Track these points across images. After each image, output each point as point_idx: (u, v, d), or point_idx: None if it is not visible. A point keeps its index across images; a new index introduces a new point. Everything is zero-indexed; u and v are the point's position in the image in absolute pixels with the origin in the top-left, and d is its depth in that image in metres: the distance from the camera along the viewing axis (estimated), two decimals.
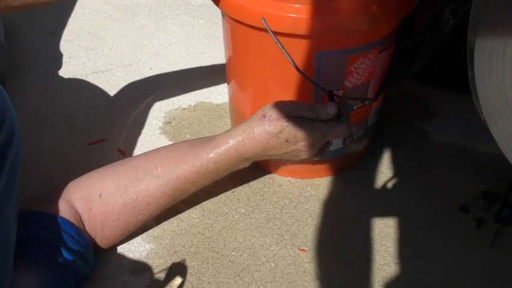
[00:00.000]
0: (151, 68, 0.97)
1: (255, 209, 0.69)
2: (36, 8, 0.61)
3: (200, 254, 0.63)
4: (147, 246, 0.64)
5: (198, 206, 0.69)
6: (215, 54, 1.01)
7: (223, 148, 0.60)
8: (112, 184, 0.60)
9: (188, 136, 0.81)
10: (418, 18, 0.65)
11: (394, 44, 0.66)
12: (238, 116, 0.75)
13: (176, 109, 0.87)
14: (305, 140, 0.58)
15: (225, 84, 0.80)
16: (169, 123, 0.84)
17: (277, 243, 0.65)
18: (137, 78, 0.94)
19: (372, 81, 0.66)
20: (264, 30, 0.58)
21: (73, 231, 0.56)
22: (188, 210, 0.69)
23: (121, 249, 0.63)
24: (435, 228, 0.67)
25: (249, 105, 0.72)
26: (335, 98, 0.61)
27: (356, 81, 0.64)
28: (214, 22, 1.11)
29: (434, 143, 0.81)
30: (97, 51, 1.01)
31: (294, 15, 0.56)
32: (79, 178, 0.62)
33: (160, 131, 0.82)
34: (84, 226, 0.59)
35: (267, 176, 0.74)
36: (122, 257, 0.63)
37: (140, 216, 0.61)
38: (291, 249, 0.64)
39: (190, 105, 0.88)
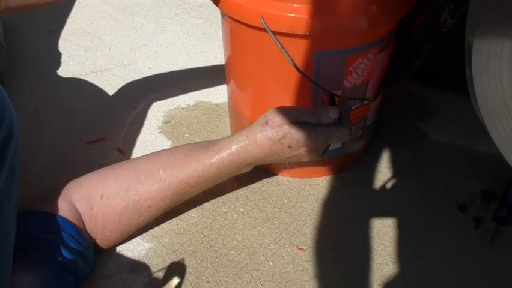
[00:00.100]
0: (150, 68, 0.97)
1: (253, 208, 0.70)
2: (35, 10, 0.61)
3: (199, 253, 0.63)
4: (146, 245, 0.64)
5: (197, 205, 0.69)
6: (214, 54, 1.01)
7: (225, 154, 0.61)
8: (114, 185, 0.60)
9: (188, 135, 0.81)
10: (417, 19, 0.65)
11: (393, 44, 0.66)
12: (237, 115, 0.76)
13: (175, 108, 0.87)
14: (307, 145, 0.58)
15: (224, 84, 0.80)
16: (168, 123, 0.84)
17: (276, 242, 0.65)
18: (137, 77, 0.94)
19: (371, 81, 0.66)
20: (263, 30, 0.58)
21: (72, 230, 0.56)
22: (188, 210, 0.69)
23: (120, 248, 0.64)
24: (433, 227, 0.67)
25: (248, 104, 0.72)
26: (335, 98, 0.61)
27: (355, 81, 0.64)
28: (213, 22, 1.11)
29: (433, 143, 0.81)
30: (96, 51, 1.01)
31: (293, 15, 0.56)
32: (79, 178, 0.62)
33: (159, 131, 0.82)
34: (84, 226, 0.59)
35: (266, 176, 0.74)
36: (121, 255, 0.63)
37: (141, 218, 0.61)
38: (290, 248, 0.64)
39: (189, 104, 0.88)
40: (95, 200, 0.59)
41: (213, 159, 0.61)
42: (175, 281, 0.59)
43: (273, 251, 0.64)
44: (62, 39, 1.04)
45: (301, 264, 0.62)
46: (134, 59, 0.99)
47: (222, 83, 0.91)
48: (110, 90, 0.90)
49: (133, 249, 0.63)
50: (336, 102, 0.62)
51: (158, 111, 0.86)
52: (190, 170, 0.61)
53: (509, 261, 0.63)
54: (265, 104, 0.67)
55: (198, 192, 0.64)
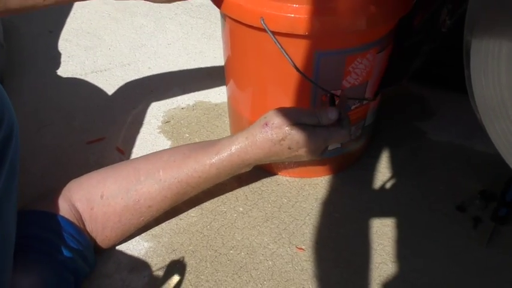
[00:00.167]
0: (149, 68, 0.97)
1: (253, 207, 0.70)
2: (34, 11, 0.61)
3: (198, 253, 0.63)
4: (146, 244, 0.64)
5: (196, 205, 0.70)
6: (214, 54, 1.01)
7: (225, 154, 0.61)
8: (114, 186, 0.60)
9: (187, 135, 0.81)
10: (415, 19, 0.66)
11: (392, 44, 0.67)
12: (237, 115, 0.76)
13: (175, 108, 0.87)
14: (307, 147, 0.59)
15: (224, 84, 0.80)
16: (167, 123, 0.84)
17: (275, 242, 0.65)
18: (136, 77, 0.94)
19: (370, 81, 0.66)
20: (263, 30, 0.58)
21: (72, 229, 0.56)
22: (187, 209, 0.69)
23: (120, 247, 0.64)
24: (432, 227, 0.67)
25: (248, 104, 0.72)
26: (335, 98, 0.61)
27: (354, 81, 0.64)
28: (212, 22, 1.11)
29: (432, 143, 0.81)
30: (95, 51, 1.01)
31: (292, 15, 0.57)
32: (79, 178, 0.62)
33: (158, 130, 0.82)
34: (84, 226, 0.59)
35: (266, 175, 0.74)
36: (121, 255, 0.63)
37: (142, 218, 0.62)
38: (289, 247, 0.64)
39: (189, 104, 0.88)
40: (95, 200, 0.59)
41: (213, 160, 0.61)
42: (175, 280, 0.59)
43: (273, 251, 0.64)
44: (61, 39, 1.04)
45: (300, 264, 0.62)
46: (134, 59, 0.99)
47: (221, 83, 0.91)
48: (110, 90, 0.90)
49: (133, 249, 0.64)
50: (336, 102, 0.62)
51: (158, 111, 0.86)
52: (190, 170, 0.61)
53: (508, 261, 0.63)
54: (265, 104, 0.67)
55: (197, 192, 0.65)
